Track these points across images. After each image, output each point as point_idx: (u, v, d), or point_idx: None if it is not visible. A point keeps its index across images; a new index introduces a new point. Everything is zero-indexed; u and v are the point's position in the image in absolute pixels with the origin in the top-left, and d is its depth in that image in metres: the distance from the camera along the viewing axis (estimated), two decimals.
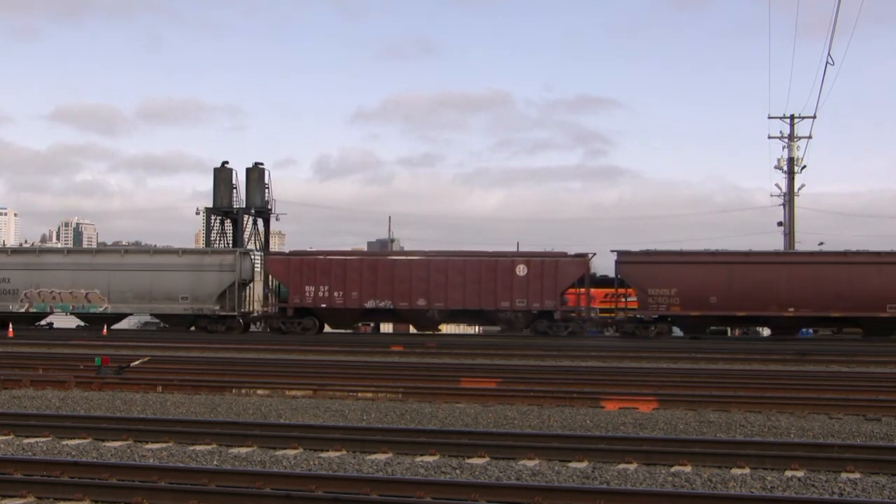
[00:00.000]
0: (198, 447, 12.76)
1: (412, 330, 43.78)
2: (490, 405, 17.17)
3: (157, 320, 46.54)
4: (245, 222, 56.15)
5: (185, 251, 44.51)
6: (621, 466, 11.48)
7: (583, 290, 41.01)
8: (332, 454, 12.34)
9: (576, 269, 40.42)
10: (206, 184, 59.29)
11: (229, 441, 13.00)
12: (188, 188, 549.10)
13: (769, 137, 52.89)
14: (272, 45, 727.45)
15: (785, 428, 14.74)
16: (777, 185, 53.81)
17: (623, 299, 41.29)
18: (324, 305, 40.73)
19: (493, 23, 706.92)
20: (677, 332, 42.53)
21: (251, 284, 43.88)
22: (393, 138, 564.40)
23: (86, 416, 15.35)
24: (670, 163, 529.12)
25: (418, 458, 11.99)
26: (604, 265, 44.87)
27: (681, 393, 18.40)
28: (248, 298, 43.94)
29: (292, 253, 43.73)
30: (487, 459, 11.91)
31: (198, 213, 59.75)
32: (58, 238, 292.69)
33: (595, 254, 41.56)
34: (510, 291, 39.83)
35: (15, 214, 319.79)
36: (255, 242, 56.24)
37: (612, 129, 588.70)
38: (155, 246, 66.30)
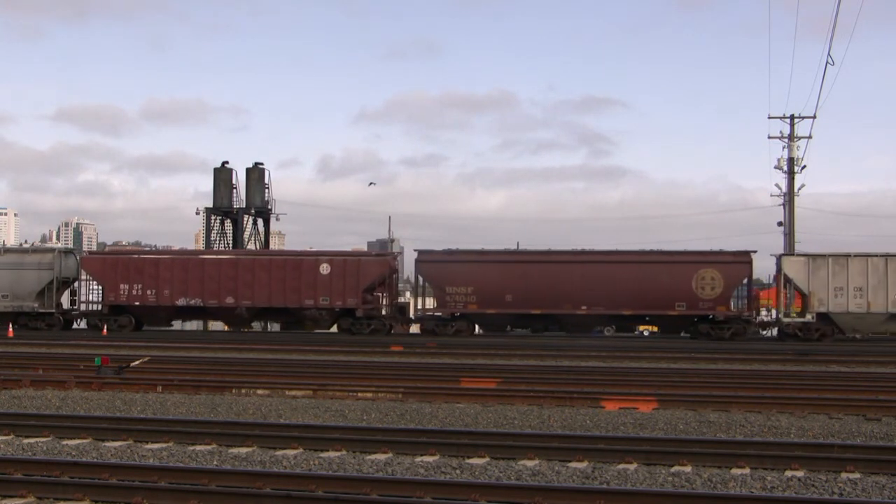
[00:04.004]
0: (198, 447, 12.77)
1: (224, 327, 45.21)
2: (490, 405, 17.17)
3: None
4: (245, 222, 56.12)
5: (6, 250, 45.54)
6: (621, 466, 11.49)
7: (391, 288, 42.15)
8: (332, 454, 12.34)
9: (378, 268, 41.31)
10: (209, 184, 59.26)
11: (229, 441, 13.00)
12: (190, 188, 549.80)
13: (769, 137, 52.90)
14: (276, 45, 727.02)
15: (785, 428, 14.74)
16: (777, 186, 53.85)
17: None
18: (137, 303, 41.86)
19: (497, 23, 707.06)
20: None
21: (80, 282, 44.44)
22: (396, 139, 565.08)
23: (86, 416, 15.35)
24: (674, 163, 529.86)
25: (418, 458, 11.99)
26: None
27: (681, 393, 18.40)
28: (75, 296, 44.85)
29: (108, 252, 45.95)
30: (487, 459, 11.91)
31: (198, 214, 59.72)
32: (58, 238, 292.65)
33: (401, 252, 42.81)
34: (314, 290, 40.80)
35: (15, 214, 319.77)
36: (255, 242, 56.24)
37: (616, 129, 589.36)
38: (155, 246, 66.26)
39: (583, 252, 41.46)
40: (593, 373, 23.26)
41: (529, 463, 11.73)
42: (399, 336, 40.40)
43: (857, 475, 11.00)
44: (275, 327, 47.30)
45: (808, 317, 38.83)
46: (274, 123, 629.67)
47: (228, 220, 56.04)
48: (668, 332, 41.46)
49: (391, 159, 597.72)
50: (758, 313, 44.61)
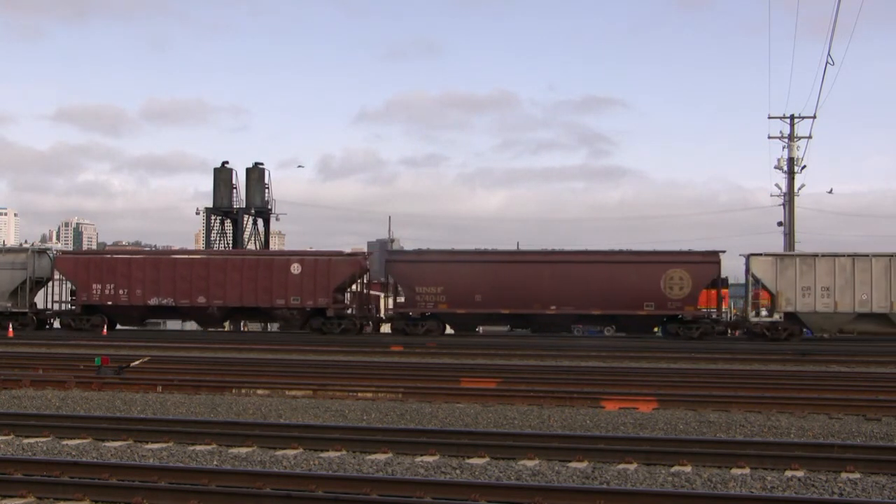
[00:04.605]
0: (198, 447, 12.76)
1: (196, 326, 45.38)
2: (490, 405, 17.16)
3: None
4: (245, 222, 56.13)
5: None
6: (621, 466, 11.48)
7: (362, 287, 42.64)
8: (332, 454, 12.34)
9: (348, 267, 41.42)
10: (209, 184, 59.24)
11: (229, 441, 13.00)
12: (190, 188, 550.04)
13: (769, 137, 52.92)
14: (277, 45, 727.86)
15: (785, 428, 14.74)
16: (777, 186, 53.87)
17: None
18: (110, 303, 41.98)
19: (498, 23, 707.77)
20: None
21: (53, 282, 44.51)
22: (396, 139, 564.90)
23: (86, 416, 15.35)
24: (674, 163, 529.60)
25: (418, 458, 11.98)
26: None
27: (681, 393, 18.40)
28: (47, 296, 44.88)
29: (82, 252, 45.40)
30: (487, 459, 11.91)
31: (198, 213, 59.69)
32: (58, 238, 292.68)
33: (373, 252, 43.47)
34: (285, 289, 40.88)
35: (15, 214, 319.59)
36: (255, 242, 56.24)
37: (616, 129, 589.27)
38: (155, 246, 66.32)
39: (552, 252, 41.72)
40: (593, 373, 23.25)
41: (529, 463, 11.73)
42: (400, 336, 40.40)
43: (857, 475, 10.99)
44: (254, 327, 47.63)
45: (776, 316, 38.94)
46: (274, 123, 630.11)
47: (228, 220, 56.05)
48: (638, 331, 41.47)
49: (391, 159, 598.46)
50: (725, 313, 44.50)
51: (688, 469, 11.29)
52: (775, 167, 52.91)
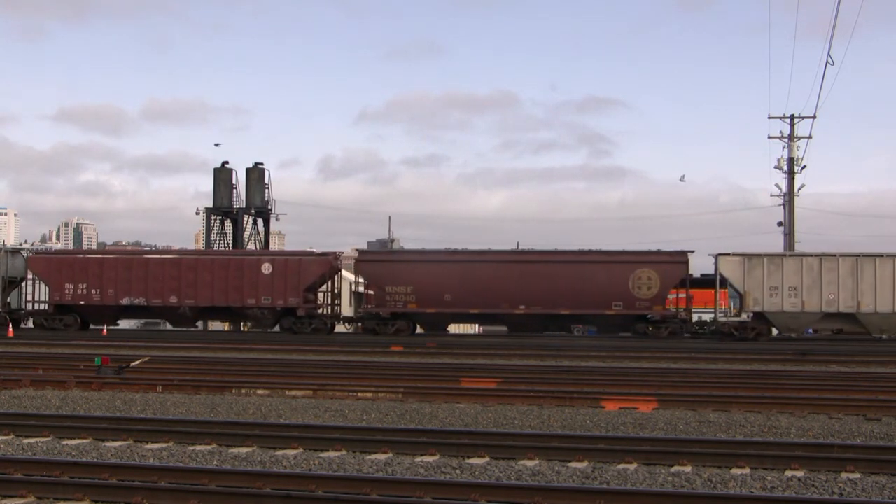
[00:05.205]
0: (198, 447, 12.76)
1: (168, 326, 45.71)
2: (490, 405, 17.16)
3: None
4: (245, 222, 56.12)
5: None
6: (621, 466, 11.48)
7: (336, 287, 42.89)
8: (332, 454, 12.34)
9: (318, 267, 41.54)
10: (209, 184, 59.29)
11: (229, 441, 13.00)
12: (191, 188, 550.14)
13: (769, 137, 52.86)
14: (278, 45, 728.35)
15: (785, 428, 14.74)
16: (777, 186, 53.83)
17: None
18: (82, 302, 42.11)
19: (499, 23, 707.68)
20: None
21: (27, 282, 44.59)
22: (397, 139, 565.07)
23: (86, 416, 15.35)
24: (675, 163, 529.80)
25: (418, 458, 11.98)
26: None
27: (681, 393, 18.39)
28: (22, 296, 45.06)
29: (54, 252, 46.44)
30: (487, 459, 11.91)
31: (198, 213, 59.71)
32: (58, 238, 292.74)
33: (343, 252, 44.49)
34: (256, 289, 41.06)
35: (15, 214, 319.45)
36: (255, 242, 56.23)
37: (617, 129, 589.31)
38: (155, 246, 66.33)
39: (521, 252, 41.91)
40: (593, 373, 23.25)
41: (529, 463, 11.73)
42: (396, 336, 40.40)
43: (857, 475, 10.99)
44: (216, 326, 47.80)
45: (744, 316, 39.01)
46: (275, 123, 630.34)
47: (228, 220, 56.06)
48: (607, 331, 41.48)
49: (392, 159, 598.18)
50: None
51: (688, 469, 11.29)
52: (775, 167, 52.90)
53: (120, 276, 41.65)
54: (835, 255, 38.52)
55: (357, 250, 42.74)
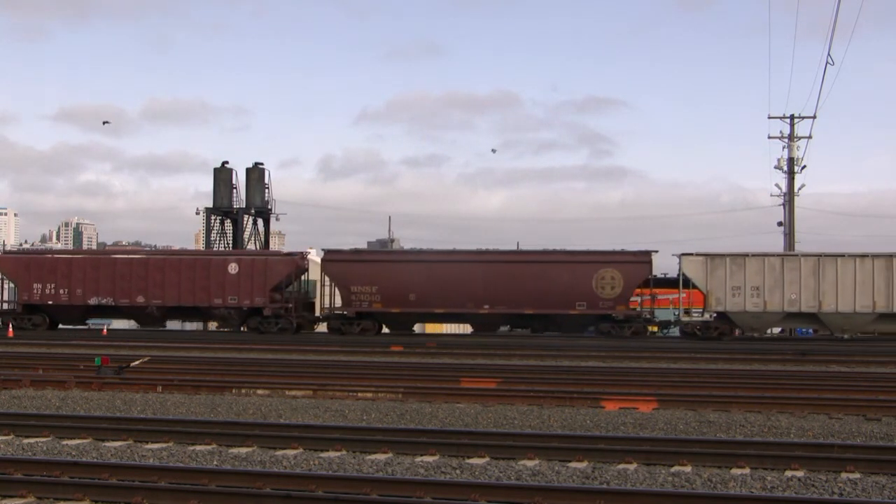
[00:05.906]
0: (198, 447, 12.77)
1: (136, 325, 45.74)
2: (490, 405, 17.16)
3: None
4: (245, 222, 56.10)
5: None
6: (621, 466, 11.48)
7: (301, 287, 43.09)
8: (332, 454, 12.34)
9: (284, 267, 41.67)
10: (209, 184, 59.29)
11: (229, 441, 13.00)
12: (191, 188, 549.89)
13: (769, 137, 52.79)
14: (278, 45, 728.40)
15: (785, 428, 14.74)
16: (777, 186, 53.79)
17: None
18: (51, 302, 42.16)
19: (499, 23, 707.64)
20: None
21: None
22: (398, 139, 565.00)
23: (86, 416, 15.35)
24: (675, 163, 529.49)
25: (418, 458, 11.99)
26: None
27: (681, 393, 18.40)
28: None
29: (23, 252, 46.62)
30: (487, 459, 11.91)
31: (198, 213, 59.71)
32: (58, 238, 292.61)
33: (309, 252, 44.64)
34: (223, 289, 41.13)
35: (15, 214, 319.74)
36: (255, 243, 56.21)
37: (618, 129, 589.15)
38: (155, 246, 66.36)
39: (485, 252, 41.82)
40: (593, 373, 23.25)
41: (529, 463, 11.73)
42: (398, 336, 40.42)
43: (857, 475, 11.00)
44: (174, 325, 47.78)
45: (707, 316, 39.01)
46: (275, 123, 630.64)
47: (228, 220, 56.01)
48: (571, 331, 41.35)
49: (393, 159, 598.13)
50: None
51: (688, 469, 11.29)
52: (775, 167, 52.85)
53: (88, 276, 41.67)
54: (797, 255, 38.80)
55: (323, 250, 42.62)
